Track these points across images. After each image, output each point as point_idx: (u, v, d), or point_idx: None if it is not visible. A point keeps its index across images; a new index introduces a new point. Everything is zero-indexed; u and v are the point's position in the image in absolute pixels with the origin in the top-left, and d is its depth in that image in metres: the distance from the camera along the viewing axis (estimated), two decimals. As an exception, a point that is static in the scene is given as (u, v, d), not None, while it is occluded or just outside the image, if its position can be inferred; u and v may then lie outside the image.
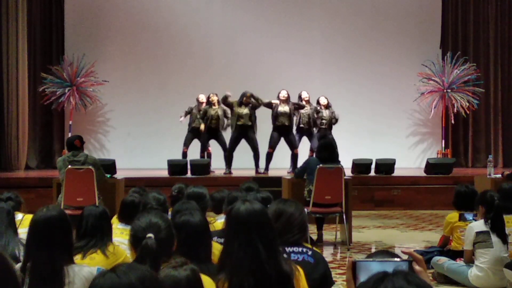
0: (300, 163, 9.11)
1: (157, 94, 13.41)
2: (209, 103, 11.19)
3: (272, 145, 11.02)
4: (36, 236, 2.94)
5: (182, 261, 2.35)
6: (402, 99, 13.97)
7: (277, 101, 10.88)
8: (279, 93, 10.92)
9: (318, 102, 11.22)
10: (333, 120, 11.23)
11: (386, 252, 1.81)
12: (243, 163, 11.43)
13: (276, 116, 10.85)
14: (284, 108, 10.84)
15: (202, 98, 11.39)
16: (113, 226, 4.30)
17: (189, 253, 2.77)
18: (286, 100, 10.87)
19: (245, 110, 10.81)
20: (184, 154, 11.27)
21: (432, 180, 11.04)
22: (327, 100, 11.24)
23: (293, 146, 11.04)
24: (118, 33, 13.85)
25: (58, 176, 7.41)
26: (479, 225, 5.36)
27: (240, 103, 10.82)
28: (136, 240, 2.74)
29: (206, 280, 2.48)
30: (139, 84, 13.70)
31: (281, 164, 11.36)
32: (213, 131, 11.15)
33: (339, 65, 13.86)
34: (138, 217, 2.89)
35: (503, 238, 5.26)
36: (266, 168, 11.09)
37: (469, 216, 5.90)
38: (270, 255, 2.56)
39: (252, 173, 11.02)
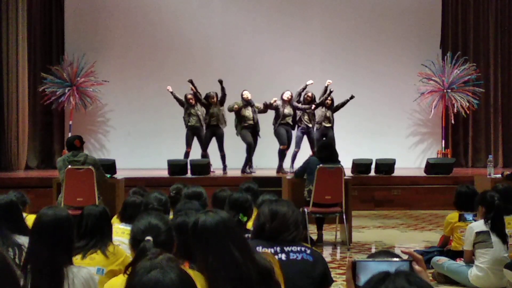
0: (300, 162, 9.11)
1: (157, 94, 13.38)
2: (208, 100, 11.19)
3: (284, 142, 11.05)
4: (42, 235, 2.94)
5: (170, 257, 2.35)
6: (402, 99, 13.98)
7: (275, 100, 10.95)
8: (283, 94, 10.99)
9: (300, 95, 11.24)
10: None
11: (387, 253, 1.81)
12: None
13: (281, 116, 10.93)
14: (288, 109, 10.94)
15: (191, 96, 11.36)
16: (114, 226, 4.31)
17: (186, 253, 2.78)
18: (290, 101, 10.96)
19: (250, 113, 10.93)
20: (187, 154, 11.24)
21: (432, 180, 11.03)
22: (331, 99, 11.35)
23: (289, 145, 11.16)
24: (118, 33, 13.85)
25: (58, 176, 7.41)
26: (479, 225, 5.36)
27: (246, 105, 10.94)
28: (135, 242, 2.75)
29: (198, 277, 2.48)
30: (139, 84, 13.70)
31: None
32: (215, 128, 11.16)
33: (339, 65, 13.85)
34: (138, 219, 2.89)
35: (503, 238, 5.26)
36: (281, 167, 11.10)
37: (469, 216, 5.91)
38: (246, 257, 2.56)
39: (253, 173, 11.04)
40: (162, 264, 1.69)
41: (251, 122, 10.97)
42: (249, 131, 11.02)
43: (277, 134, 11.08)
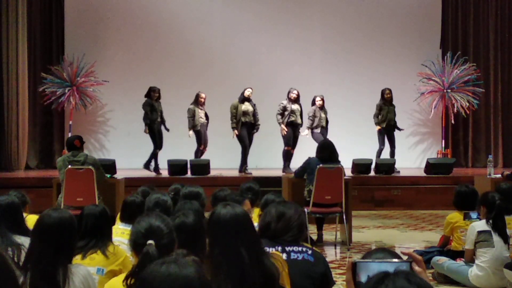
0: (300, 162, 9.11)
1: (157, 94, 13.36)
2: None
3: (289, 143, 11.03)
4: (44, 236, 2.93)
5: (184, 253, 2.34)
6: (402, 99, 13.93)
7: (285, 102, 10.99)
8: (290, 92, 10.98)
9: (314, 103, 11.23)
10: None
11: (384, 250, 1.81)
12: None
13: (287, 114, 10.91)
14: (295, 107, 10.93)
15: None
16: (114, 226, 4.30)
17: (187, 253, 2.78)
18: (297, 99, 10.94)
19: (249, 108, 10.91)
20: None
21: (432, 180, 11.03)
22: (323, 101, 11.32)
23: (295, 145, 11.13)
24: (118, 33, 13.85)
25: (58, 176, 7.40)
26: (481, 224, 5.37)
27: (243, 100, 10.92)
28: (136, 246, 2.72)
29: None
30: (139, 84, 13.64)
31: (280, 164, 11.34)
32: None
33: (339, 65, 13.85)
34: (138, 220, 2.86)
35: (505, 238, 5.27)
36: (287, 166, 11.06)
37: (474, 214, 5.88)
38: (254, 258, 2.56)
39: (253, 173, 11.02)
40: (179, 259, 1.68)
41: (250, 118, 10.94)
42: (247, 130, 10.98)
43: (283, 135, 11.05)
